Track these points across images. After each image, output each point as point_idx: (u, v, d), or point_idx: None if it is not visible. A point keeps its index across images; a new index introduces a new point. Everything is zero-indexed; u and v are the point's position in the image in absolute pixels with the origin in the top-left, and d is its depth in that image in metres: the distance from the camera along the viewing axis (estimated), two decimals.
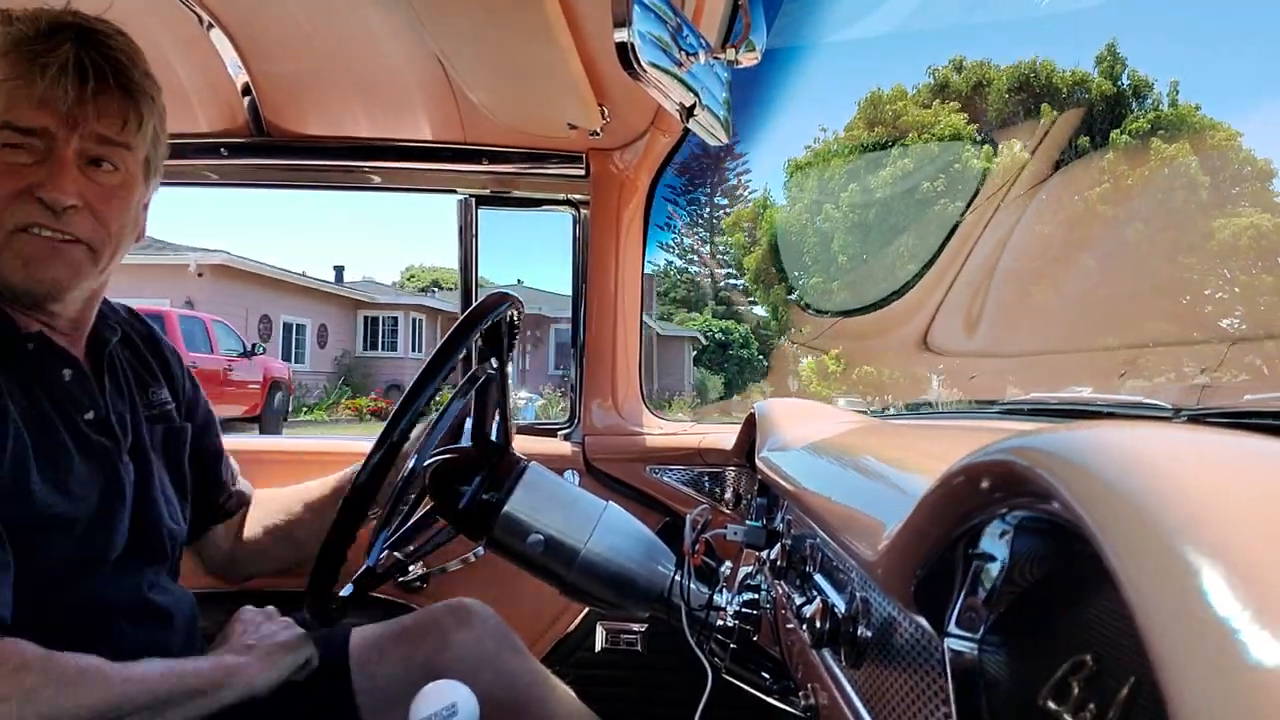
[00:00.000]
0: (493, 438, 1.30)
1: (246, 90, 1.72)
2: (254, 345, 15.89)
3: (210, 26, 1.56)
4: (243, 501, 1.47)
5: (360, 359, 24.25)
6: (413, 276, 41.36)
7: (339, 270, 27.83)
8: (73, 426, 1.07)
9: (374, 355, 24.55)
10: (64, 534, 1.02)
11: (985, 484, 0.48)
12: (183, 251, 18.48)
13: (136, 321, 1.29)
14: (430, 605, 1.29)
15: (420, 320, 25.11)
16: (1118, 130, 15.36)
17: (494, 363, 1.28)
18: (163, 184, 1.20)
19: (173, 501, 1.22)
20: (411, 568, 1.28)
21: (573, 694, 1.28)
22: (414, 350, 24.27)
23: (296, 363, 20.94)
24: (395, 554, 1.22)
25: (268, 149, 1.85)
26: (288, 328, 21.58)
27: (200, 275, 18.39)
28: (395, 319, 24.82)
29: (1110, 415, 1.16)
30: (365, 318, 25.00)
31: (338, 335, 23.98)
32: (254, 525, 1.46)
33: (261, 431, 13.97)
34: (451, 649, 1.18)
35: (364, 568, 1.16)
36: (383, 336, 24.83)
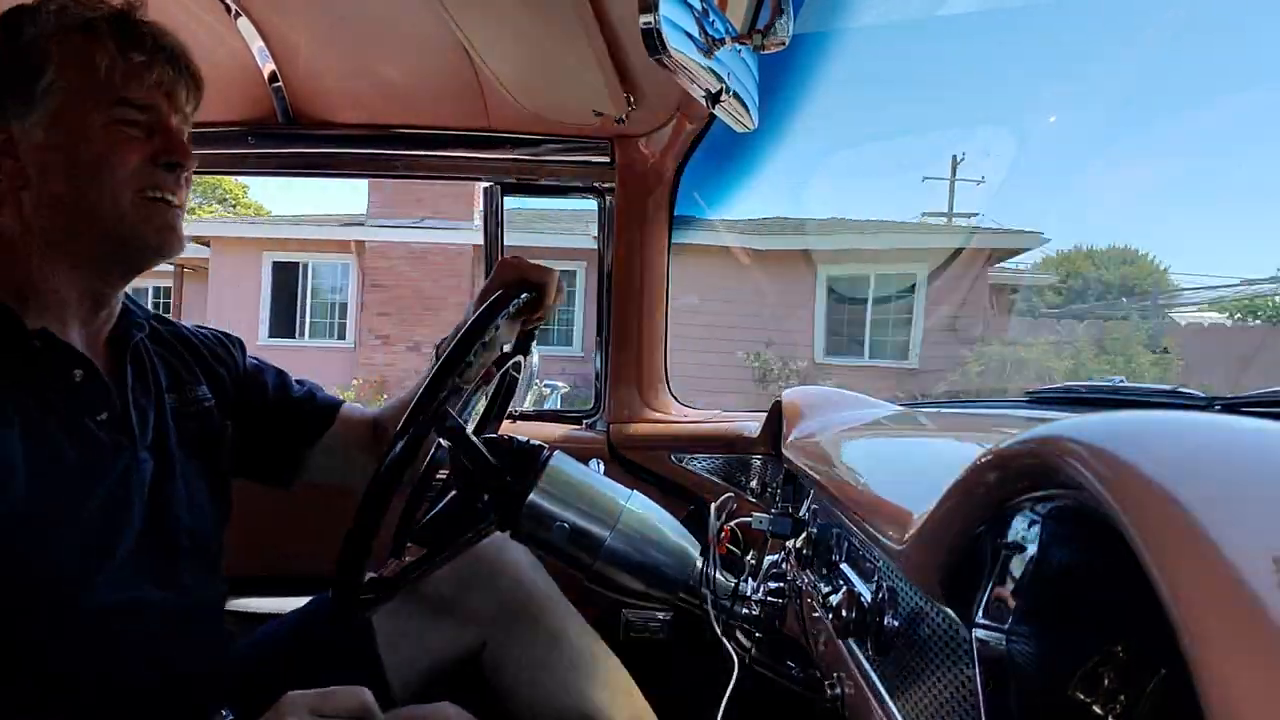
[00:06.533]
0: (515, 420, 1.30)
1: (273, 78, 1.73)
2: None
3: (238, 15, 1.57)
4: (328, 411, 1.41)
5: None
6: None
7: None
8: (75, 425, 1.03)
9: None
10: (59, 532, 0.98)
11: (1014, 472, 0.47)
12: None
13: (163, 324, 1.26)
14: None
15: None
16: None
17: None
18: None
19: (197, 499, 1.18)
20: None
21: None
22: None
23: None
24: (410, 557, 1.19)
25: (294, 137, 1.87)
26: None
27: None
28: None
29: (1143, 404, 1.14)
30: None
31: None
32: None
33: None
34: None
35: (391, 565, 1.15)
36: None
